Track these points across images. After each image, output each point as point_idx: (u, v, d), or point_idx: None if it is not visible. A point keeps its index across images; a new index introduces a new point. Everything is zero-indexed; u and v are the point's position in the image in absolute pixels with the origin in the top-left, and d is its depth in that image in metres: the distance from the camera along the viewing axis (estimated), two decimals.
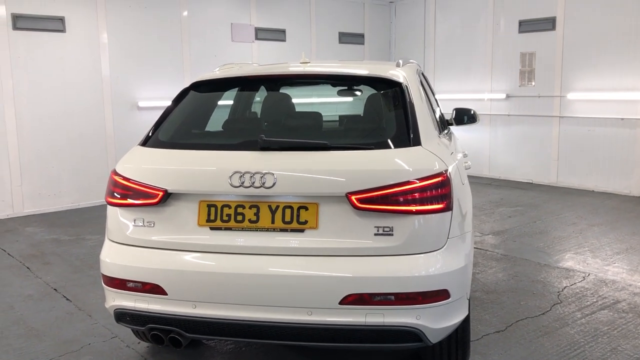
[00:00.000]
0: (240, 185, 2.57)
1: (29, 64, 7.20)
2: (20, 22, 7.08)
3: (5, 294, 4.51)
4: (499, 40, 9.31)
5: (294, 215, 2.59)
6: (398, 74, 3.07)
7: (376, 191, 2.51)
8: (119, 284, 2.75)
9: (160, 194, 2.67)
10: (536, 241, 5.77)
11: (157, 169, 2.77)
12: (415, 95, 2.99)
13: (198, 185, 2.66)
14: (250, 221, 2.62)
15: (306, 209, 2.58)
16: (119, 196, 2.80)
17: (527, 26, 8.89)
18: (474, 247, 5.51)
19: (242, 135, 3.14)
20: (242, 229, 2.62)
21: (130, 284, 2.71)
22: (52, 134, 7.44)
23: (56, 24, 7.35)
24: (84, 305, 4.23)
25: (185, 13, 8.47)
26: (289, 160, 2.62)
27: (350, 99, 3.62)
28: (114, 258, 2.79)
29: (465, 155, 4.35)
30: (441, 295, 2.56)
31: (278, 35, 9.50)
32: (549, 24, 8.61)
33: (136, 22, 8.04)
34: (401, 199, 2.51)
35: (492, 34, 9.39)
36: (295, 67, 3.32)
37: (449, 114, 4.66)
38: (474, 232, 6.02)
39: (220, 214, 2.64)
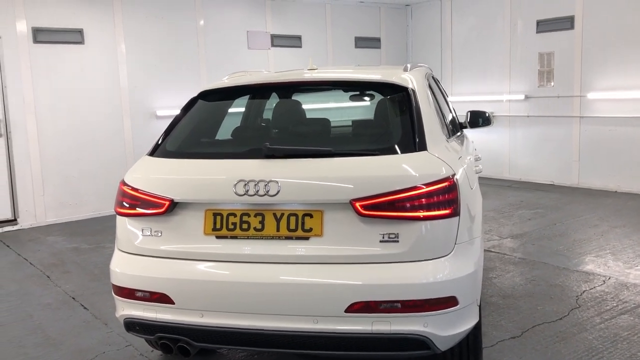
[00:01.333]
0: (244, 194, 2.57)
1: (50, 76, 7.34)
2: (40, 35, 7.23)
3: (26, 303, 4.59)
4: (517, 40, 9.20)
5: (299, 223, 2.58)
6: (405, 78, 3.05)
7: (380, 197, 2.49)
8: (128, 293, 2.78)
9: (167, 203, 2.69)
10: (556, 244, 5.66)
11: (164, 178, 2.79)
12: (422, 99, 2.96)
13: (203, 194, 2.68)
14: (255, 229, 2.62)
15: (311, 216, 2.58)
16: (127, 206, 2.83)
17: (545, 26, 8.78)
18: (492, 251, 5.45)
19: (248, 143, 3.15)
20: (248, 238, 2.62)
21: (139, 294, 2.73)
22: (73, 145, 7.57)
23: (75, 36, 7.49)
24: (101, 314, 4.28)
25: (202, 22, 8.56)
26: (292, 167, 2.62)
27: (357, 104, 3.61)
28: (123, 268, 2.82)
29: (478, 159, 4.30)
30: (449, 302, 2.53)
31: (294, 41, 9.53)
32: (567, 23, 8.48)
33: (153, 32, 8.14)
34: (406, 205, 2.48)
35: (509, 34, 9.29)
36: (302, 74, 3.32)
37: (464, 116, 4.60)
38: (486, 235, 5.95)
39: (226, 223, 2.65)
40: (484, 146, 9.61)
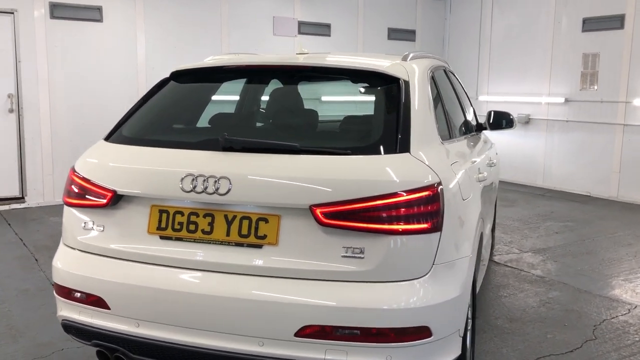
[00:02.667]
0: (191, 190, 2.24)
1: (65, 53, 7.18)
2: (57, 10, 7.06)
3: (3, 287, 4.39)
4: (560, 39, 8.57)
5: (252, 228, 2.23)
6: (399, 68, 2.65)
7: (345, 205, 2.12)
8: (67, 293, 2.50)
9: (110, 194, 2.39)
10: (581, 263, 5.14)
11: (109, 167, 2.49)
12: (418, 93, 2.56)
13: (147, 187, 2.36)
14: (203, 232, 2.28)
15: (266, 221, 2.22)
16: (73, 195, 2.54)
17: (591, 24, 8.13)
18: (508, 266, 4.98)
19: (207, 133, 2.80)
20: (194, 241, 2.29)
21: (76, 294, 2.45)
22: (86, 124, 7.39)
23: (93, 14, 7.30)
24: None
25: (227, 5, 8.26)
26: (248, 163, 2.26)
27: (344, 95, 3.21)
28: (64, 264, 2.54)
29: (490, 165, 3.85)
30: (420, 333, 2.14)
31: (322, 29, 9.14)
32: (616, 22, 7.83)
33: (175, 13, 7.89)
34: (374, 216, 2.10)
35: (552, 32, 8.66)
36: (285, 59, 2.95)
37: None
38: (505, 248, 5.44)
39: (172, 222, 2.32)
40: (518, 151, 9.06)
